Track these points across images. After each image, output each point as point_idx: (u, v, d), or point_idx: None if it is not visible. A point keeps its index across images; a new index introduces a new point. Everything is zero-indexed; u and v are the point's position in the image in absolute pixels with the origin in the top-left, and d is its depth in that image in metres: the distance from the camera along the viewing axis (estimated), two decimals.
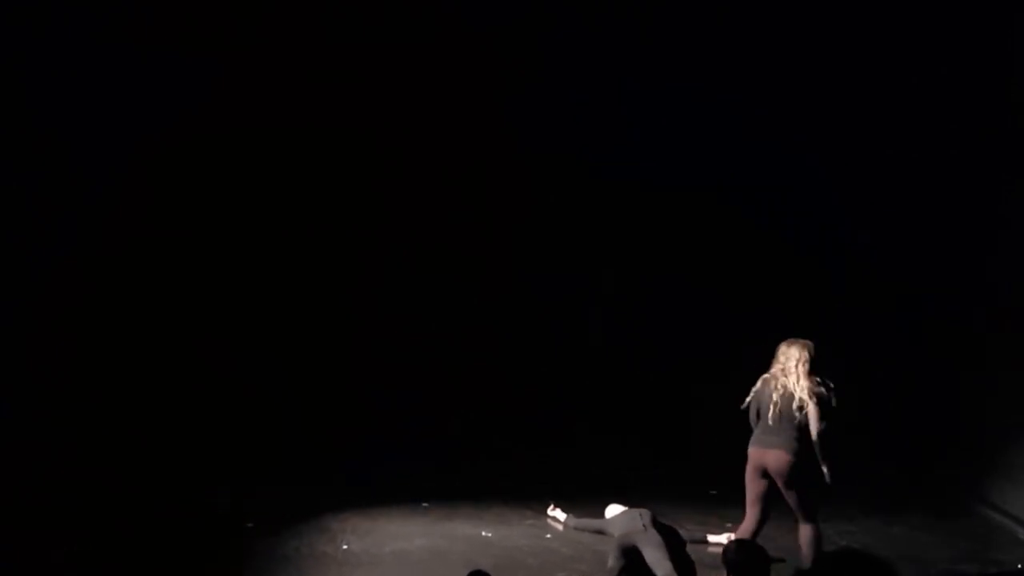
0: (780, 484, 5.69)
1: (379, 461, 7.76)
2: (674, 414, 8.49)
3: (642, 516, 6.20)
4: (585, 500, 7.02)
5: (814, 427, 5.54)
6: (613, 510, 6.54)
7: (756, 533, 5.78)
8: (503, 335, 8.96)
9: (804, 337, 5.83)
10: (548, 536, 6.74)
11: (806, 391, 5.57)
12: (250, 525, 6.57)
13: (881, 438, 7.95)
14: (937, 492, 7.52)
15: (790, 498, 5.73)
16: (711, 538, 6.51)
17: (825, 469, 5.60)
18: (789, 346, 5.77)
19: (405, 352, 8.78)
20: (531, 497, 7.25)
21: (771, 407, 5.68)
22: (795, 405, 5.59)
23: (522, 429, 8.42)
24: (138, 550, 6.17)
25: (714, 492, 7.51)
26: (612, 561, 5.88)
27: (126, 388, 8.27)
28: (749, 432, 5.66)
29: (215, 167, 8.81)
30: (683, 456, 8.07)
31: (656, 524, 6.13)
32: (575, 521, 6.84)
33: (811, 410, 5.55)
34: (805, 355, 5.68)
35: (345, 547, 6.29)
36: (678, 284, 8.91)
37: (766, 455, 5.70)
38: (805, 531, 5.76)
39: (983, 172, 7.51)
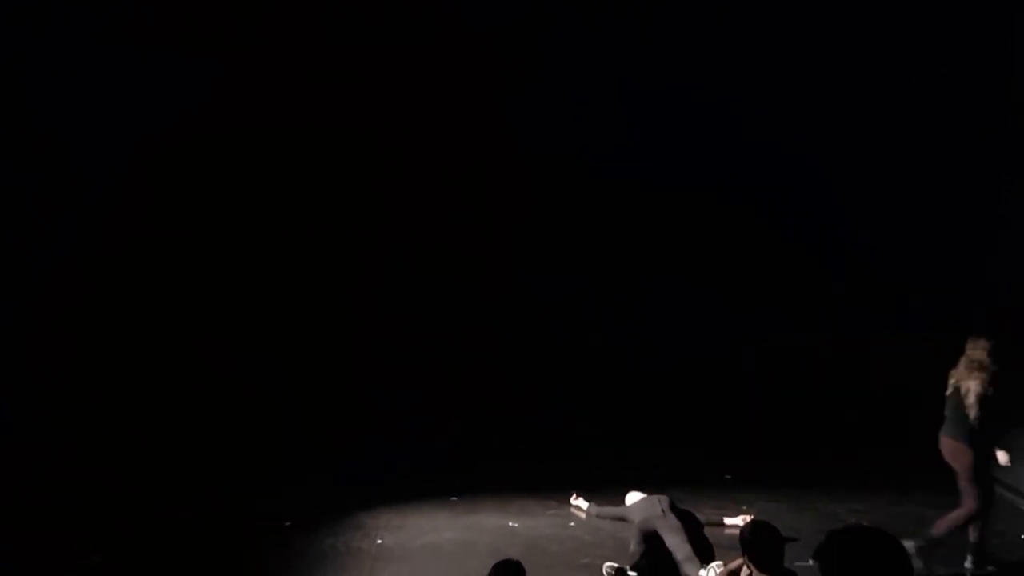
0: None
1: (405, 461, 7.85)
2: (685, 408, 8.71)
3: (661, 502, 6.39)
4: (605, 489, 7.19)
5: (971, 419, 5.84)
6: (633, 497, 6.71)
7: (974, 515, 5.90)
8: (511, 336, 9.07)
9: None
10: (571, 524, 6.88)
11: (973, 386, 5.84)
12: (287, 524, 6.62)
13: (888, 422, 8.27)
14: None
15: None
16: (728, 521, 6.68)
17: (999, 455, 5.95)
18: (974, 341, 6.01)
19: (417, 356, 8.85)
20: (553, 488, 7.40)
21: (947, 398, 6.01)
22: (964, 398, 5.89)
23: (529, 428, 8.52)
24: (179, 549, 6.21)
25: (729, 477, 7.78)
26: (633, 546, 6.05)
27: (147, 391, 8.29)
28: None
29: (215, 168, 8.76)
30: (697, 446, 8.28)
31: (674, 509, 6.33)
32: (597, 509, 6.99)
33: (970, 402, 5.83)
34: (979, 352, 5.93)
35: (379, 542, 6.38)
36: (678, 284, 9.09)
37: (941, 442, 6.02)
38: (955, 510, 5.95)
39: (983, 172, 7.78)
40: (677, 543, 5.96)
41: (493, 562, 4.60)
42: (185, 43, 8.32)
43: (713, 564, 5.74)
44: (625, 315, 9.23)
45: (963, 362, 6.00)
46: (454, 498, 7.32)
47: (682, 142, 8.87)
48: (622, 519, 6.62)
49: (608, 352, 9.11)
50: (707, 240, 9.18)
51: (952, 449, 5.94)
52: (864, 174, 8.65)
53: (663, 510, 6.26)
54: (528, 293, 9.14)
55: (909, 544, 5.70)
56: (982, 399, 5.81)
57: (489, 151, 8.97)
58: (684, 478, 7.47)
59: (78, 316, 8.29)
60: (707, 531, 6.30)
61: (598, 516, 6.93)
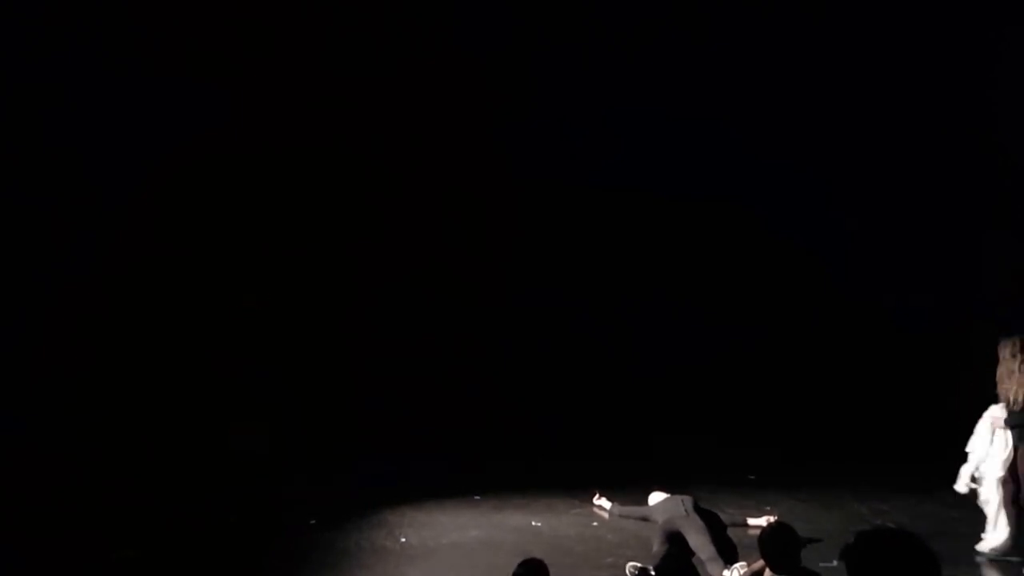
0: None
1: (430, 459, 7.94)
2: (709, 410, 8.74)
3: (684, 502, 6.39)
4: (628, 488, 7.20)
5: None
6: (656, 497, 6.71)
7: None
8: (535, 337, 9.16)
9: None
10: (594, 524, 6.89)
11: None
12: (313, 522, 6.73)
13: (911, 423, 8.22)
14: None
15: None
16: (751, 521, 6.63)
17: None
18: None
19: (441, 356, 8.99)
20: (577, 487, 7.43)
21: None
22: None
23: (552, 427, 8.57)
24: (207, 545, 6.34)
25: (752, 477, 7.76)
26: (657, 546, 6.04)
27: (179, 393, 8.52)
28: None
29: (222, 186, 8.97)
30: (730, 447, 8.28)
31: (698, 509, 6.33)
32: (620, 509, 7.00)
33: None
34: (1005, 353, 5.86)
35: (403, 540, 6.44)
36: (698, 284, 9.18)
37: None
38: None
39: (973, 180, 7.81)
40: (701, 543, 5.95)
41: (517, 561, 4.65)
42: (198, 73, 8.59)
43: (737, 565, 5.72)
44: (651, 311, 9.25)
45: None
46: (478, 496, 7.37)
47: (671, 160, 8.94)
48: (645, 519, 6.61)
49: (632, 349, 9.15)
50: (704, 252, 9.28)
51: None
52: (858, 183, 8.69)
53: (687, 510, 6.26)
54: (550, 295, 9.24)
55: (1016, 560, 5.78)
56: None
57: (483, 168, 9.13)
58: (708, 477, 7.46)
59: (111, 324, 8.55)
60: (731, 531, 6.29)
61: (621, 516, 6.94)
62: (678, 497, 6.48)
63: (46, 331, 8.20)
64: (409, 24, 8.90)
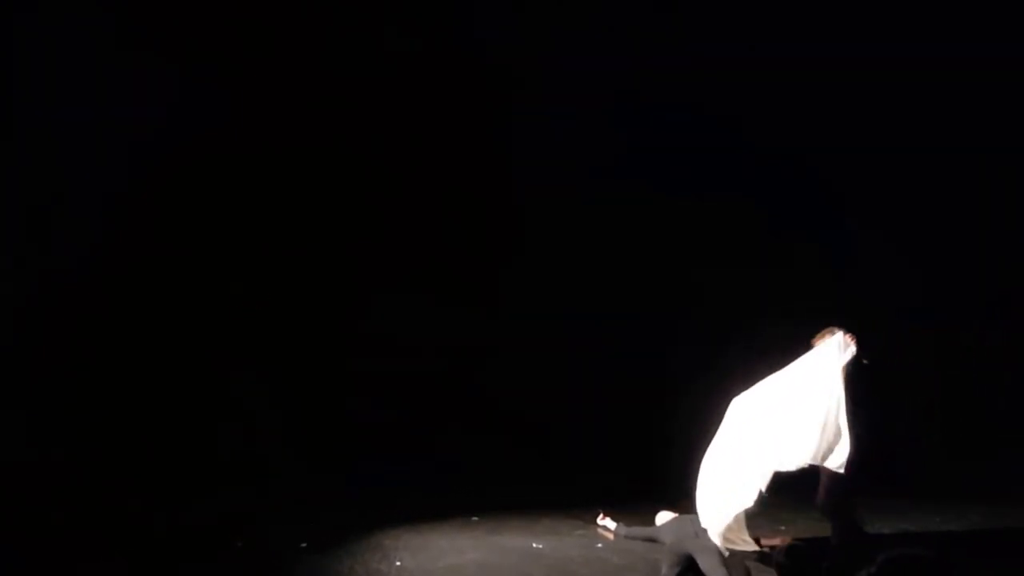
0: None
1: (426, 479, 7.78)
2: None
3: (694, 522, 6.14)
4: (635, 508, 6.98)
5: None
6: (664, 517, 6.49)
7: None
8: (533, 351, 8.97)
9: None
10: (599, 546, 6.67)
11: None
12: (303, 545, 6.53)
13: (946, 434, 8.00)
14: (1003, 485, 7.47)
15: None
16: (765, 542, 6.38)
17: None
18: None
19: (435, 371, 8.83)
20: (580, 507, 7.22)
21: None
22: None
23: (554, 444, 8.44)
24: (192, 568, 6.16)
25: (765, 494, 7.36)
26: (666, 569, 5.82)
27: (166, 407, 8.36)
28: None
29: (224, 190, 8.87)
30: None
31: None
32: (626, 530, 6.77)
33: None
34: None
35: (398, 563, 6.24)
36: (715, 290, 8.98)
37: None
38: None
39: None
40: (712, 565, 5.73)
41: None
42: (197, 74, 8.54)
43: None
44: (657, 316, 9.07)
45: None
46: (475, 518, 7.18)
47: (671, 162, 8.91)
48: (653, 540, 6.40)
49: (639, 357, 8.92)
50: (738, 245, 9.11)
51: None
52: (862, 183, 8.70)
53: (696, 531, 6.04)
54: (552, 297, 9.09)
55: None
56: None
57: (481, 173, 9.10)
58: None
59: (109, 325, 8.43)
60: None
61: (627, 537, 6.71)
62: (687, 517, 6.24)
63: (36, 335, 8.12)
64: (409, 23, 8.88)
